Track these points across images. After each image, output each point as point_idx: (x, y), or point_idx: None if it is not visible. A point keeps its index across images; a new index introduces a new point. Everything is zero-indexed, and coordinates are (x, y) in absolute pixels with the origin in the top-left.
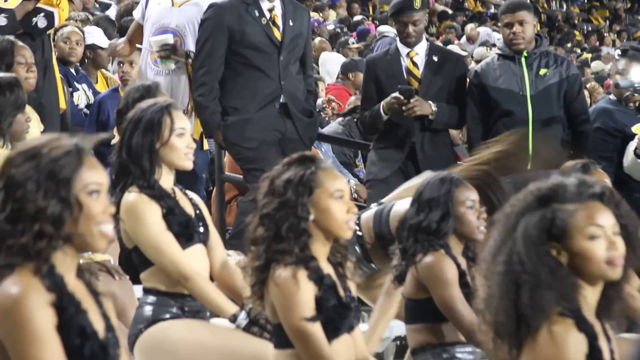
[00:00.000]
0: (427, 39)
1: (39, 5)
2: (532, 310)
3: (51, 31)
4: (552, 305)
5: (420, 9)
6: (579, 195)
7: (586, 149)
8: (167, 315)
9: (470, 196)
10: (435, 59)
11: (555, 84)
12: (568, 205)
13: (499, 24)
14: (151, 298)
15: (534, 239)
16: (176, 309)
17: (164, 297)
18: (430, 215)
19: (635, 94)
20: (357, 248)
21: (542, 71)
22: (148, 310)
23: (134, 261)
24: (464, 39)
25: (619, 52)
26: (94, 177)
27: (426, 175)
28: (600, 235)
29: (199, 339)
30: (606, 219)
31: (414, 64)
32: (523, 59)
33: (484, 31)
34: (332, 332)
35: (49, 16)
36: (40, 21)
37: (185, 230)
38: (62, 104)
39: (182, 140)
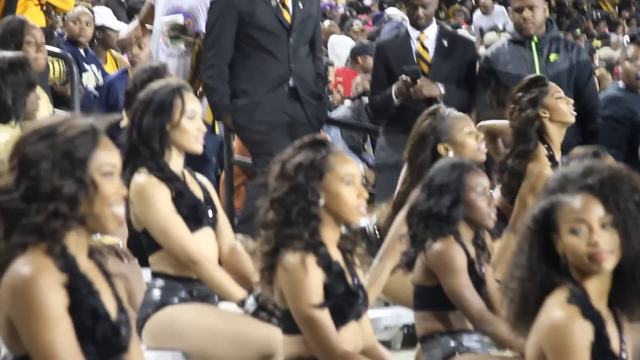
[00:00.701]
0: (437, 23)
1: None
2: (525, 300)
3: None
4: (536, 298)
5: None
6: (573, 186)
7: (597, 138)
8: (176, 300)
9: (481, 182)
10: (445, 42)
11: (566, 69)
12: (563, 197)
13: (509, 9)
14: (160, 282)
15: (531, 228)
16: (185, 293)
17: (173, 281)
18: (441, 201)
19: None
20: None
21: (552, 57)
22: (156, 294)
23: (143, 244)
24: (478, 13)
25: (627, 38)
26: (109, 158)
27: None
28: (583, 230)
29: (207, 324)
30: (591, 213)
31: (424, 47)
32: (533, 44)
33: (499, 9)
34: (339, 319)
35: None
36: None
37: (195, 214)
38: None
39: (193, 123)
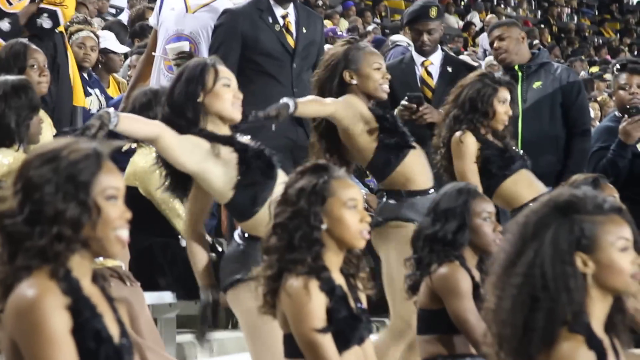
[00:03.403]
0: (442, 49)
1: (42, 5)
2: (545, 325)
3: (62, 30)
4: (565, 321)
5: (436, 18)
6: (599, 207)
7: (581, 164)
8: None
9: (486, 208)
10: (449, 69)
11: (548, 95)
12: (594, 217)
13: None
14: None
15: (564, 249)
16: None
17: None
18: (446, 226)
19: None
20: None
21: (536, 84)
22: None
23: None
24: (484, 34)
25: (617, 66)
26: (112, 181)
27: None
28: (629, 248)
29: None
30: (630, 233)
31: (429, 73)
32: (519, 74)
33: None
34: (342, 344)
35: (53, 15)
36: (45, 22)
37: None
38: (82, 103)
39: (228, 90)
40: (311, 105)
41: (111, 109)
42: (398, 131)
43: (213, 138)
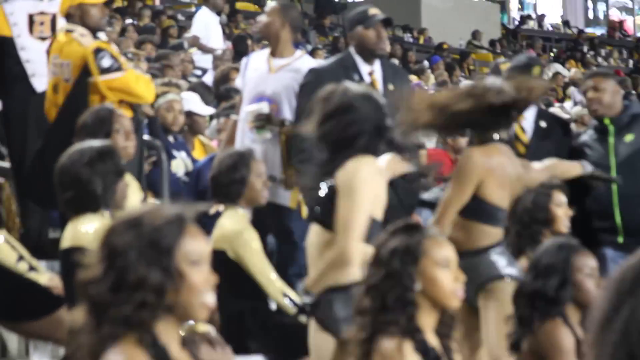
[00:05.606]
0: (536, 104)
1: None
2: None
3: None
4: None
5: (537, 77)
6: None
7: None
8: None
9: (588, 263)
10: (543, 124)
11: None
12: None
13: None
14: None
15: None
16: None
17: None
18: (548, 282)
19: None
20: None
21: (628, 137)
22: None
23: None
24: (572, 88)
25: None
26: (196, 246)
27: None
28: None
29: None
30: None
31: (522, 129)
32: (611, 127)
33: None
34: None
35: None
36: None
37: None
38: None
39: None
40: None
41: None
42: None
43: None
